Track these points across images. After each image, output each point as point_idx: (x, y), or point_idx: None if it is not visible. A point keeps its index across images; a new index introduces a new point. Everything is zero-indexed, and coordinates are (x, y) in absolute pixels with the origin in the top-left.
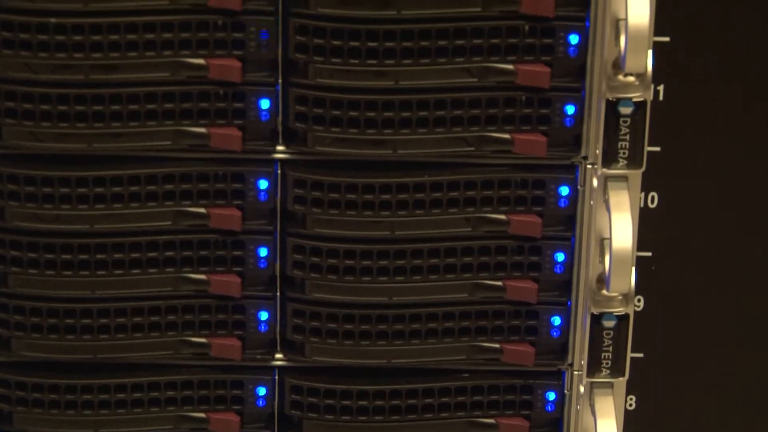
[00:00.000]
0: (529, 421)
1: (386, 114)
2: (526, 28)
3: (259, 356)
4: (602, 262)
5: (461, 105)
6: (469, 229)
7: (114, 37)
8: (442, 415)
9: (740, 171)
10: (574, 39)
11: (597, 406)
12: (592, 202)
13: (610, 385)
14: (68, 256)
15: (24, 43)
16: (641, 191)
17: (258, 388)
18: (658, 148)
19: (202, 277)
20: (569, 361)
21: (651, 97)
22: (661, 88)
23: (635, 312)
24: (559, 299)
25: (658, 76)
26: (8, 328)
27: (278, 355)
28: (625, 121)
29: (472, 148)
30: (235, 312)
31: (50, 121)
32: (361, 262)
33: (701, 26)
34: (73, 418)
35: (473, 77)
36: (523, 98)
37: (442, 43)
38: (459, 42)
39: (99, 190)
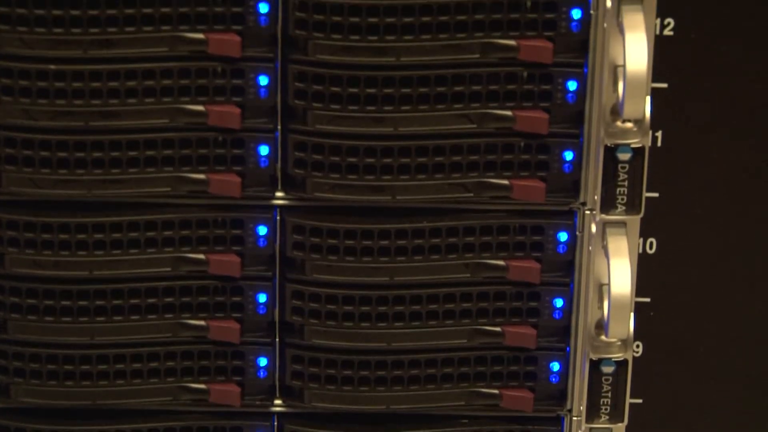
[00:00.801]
0: None
1: (385, 160)
2: (525, 74)
3: (258, 402)
4: (601, 307)
5: (460, 151)
6: (468, 275)
7: (113, 83)
8: None
9: (739, 217)
10: (572, 85)
11: None
12: (590, 248)
13: (610, 431)
14: (67, 303)
15: (23, 89)
16: (640, 237)
17: None
18: (656, 194)
19: (201, 323)
20: (568, 407)
21: (649, 143)
22: (659, 134)
23: (634, 358)
24: (558, 345)
25: (656, 122)
26: (7, 374)
27: (277, 402)
28: (623, 167)
29: (471, 194)
30: (234, 358)
31: (50, 168)
32: (359, 308)
33: (700, 73)
34: None
35: (472, 123)
36: (522, 144)
37: (440, 89)
38: (458, 88)
39: (98, 236)
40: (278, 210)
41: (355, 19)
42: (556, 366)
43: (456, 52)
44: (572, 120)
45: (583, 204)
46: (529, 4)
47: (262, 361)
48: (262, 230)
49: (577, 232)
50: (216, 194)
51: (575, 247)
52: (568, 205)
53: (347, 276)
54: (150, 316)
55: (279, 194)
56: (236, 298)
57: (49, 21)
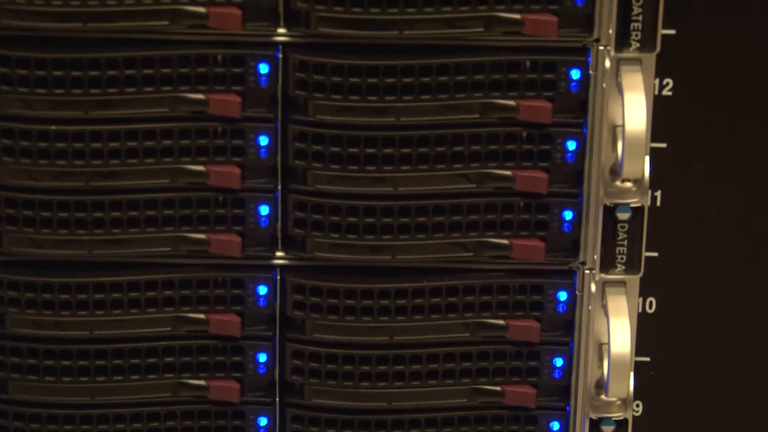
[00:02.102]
0: None
1: (385, 219)
2: (524, 134)
3: None
4: (601, 367)
5: (459, 211)
6: (468, 335)
7: (114, 144)
8: None
9: (738, 277)
10: (571, 145)
11: None
12: (590, 307)
13: None
14: (68, 363)
15: (24, 150)
16: (639, 296)
17: None
18: (656, 254)
19: (202, 383)
20: None
21: (649, 203)
22: (658, 193)
23: (634, 417)
24: (558, 404)
25: (655, 181)
26: None
27: None
28: (623, 227)
29: (471, 254)
30: (235, 418)
31: (50, 228)
32: (359, 368)
33: (699, 132)
34: None
35: (471, 183)
36: (521, 204)
37: (440, 149)
38: (457, 148)
39: (99, 296)
40: (278, 270)
41: (355, 80)
42: (556, 425)
43: (455, 112)
44: (571, 179)
45: (583, 263)
46: (528, 64)
47: (262, 421)
48: (263, 290)
49: (577, 292)
50: (216, 254)
51: (575, 306)
52: (568, 264)
53: (347, 335)
54: (150, 376)
55: (279, 254)
56: (236, 358)
57: (50, 82)
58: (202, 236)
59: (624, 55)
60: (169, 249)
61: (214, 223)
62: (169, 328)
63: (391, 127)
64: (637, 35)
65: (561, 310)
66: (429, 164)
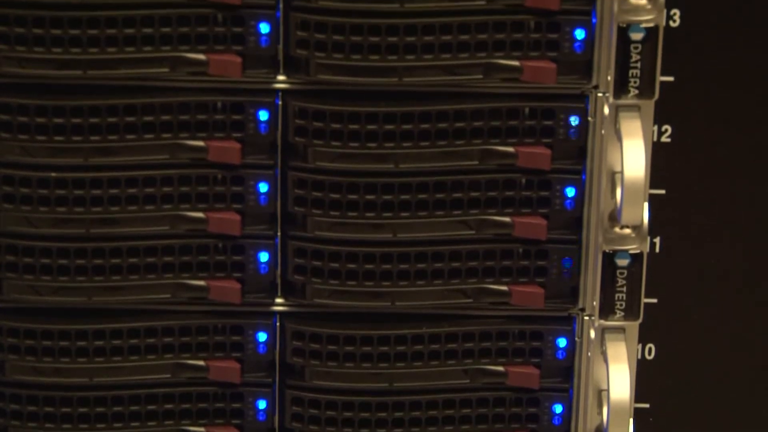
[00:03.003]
0: None
1: (384, 266)
2: (523, 181)
3: None
4: (600, 413)
5: (459, 257)
6: (467, 381)
7: (114, 191)
8: None
9: (737, 325)
10: (570, 192)
11: None
12: (589, 354)
13: None
14: (67, 409)
15: (25, 197)
16: (638, 343)
17: None
18: (655, 300)
19: (201, 429)
20: None
21: (647, 249)
22: (657, 240)
23: None
24: None
25: (654, 227)
26: None
27: None
28: (622, 273)
29: (470, 300)
30: None
31: (50, 275)
32: (359, 414)
33: (698, 179)
34: None
35: (471, 230)
36: (520, 250)
37: (439, 195)
38: (456, 195)
39: (98, 343)
40: (278, 316)
41: (355, 126)
42: None
43: (454, 158)
44: (571, 226)
45: (582, 310)
46: (527, 110)
47: None
48: (262, 336)
49: (576, 338)
50: (216, 300)
51: (574, 352)
52: (567, 310)
53: (347, 382)
54: (150, 423)
55: (279, 300)
56: (236, 405)
57: (51, 129)
58: (201, 283)
59: (623, 101)
60: (168, 295)
61: (214, 269)
62: (168, 375)
63: (390, 174)
64: (635, 82)
65: (560, 356)
66: (428, 210)
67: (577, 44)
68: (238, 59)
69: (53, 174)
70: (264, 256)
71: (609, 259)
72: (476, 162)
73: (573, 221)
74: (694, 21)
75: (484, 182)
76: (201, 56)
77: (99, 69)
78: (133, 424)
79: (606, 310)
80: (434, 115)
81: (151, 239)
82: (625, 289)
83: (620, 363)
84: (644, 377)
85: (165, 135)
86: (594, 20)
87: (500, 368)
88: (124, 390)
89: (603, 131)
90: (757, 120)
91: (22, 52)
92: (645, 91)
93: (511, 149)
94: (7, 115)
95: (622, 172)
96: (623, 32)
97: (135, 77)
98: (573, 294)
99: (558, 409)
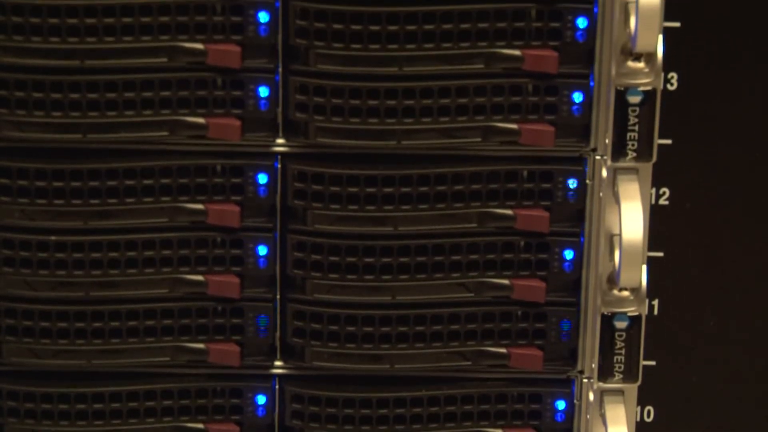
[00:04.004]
0: None
1: (383, 329)
2: (522, 243)
3: None
4: None
5: (457, 319)
6: None
7: (113, 254)
8: None
9: (735, 388)
10: (569, 254)
11: None
12: (588, 416)
13: None
14: None
15: (24, 260)
16: (637, 405)
17: None
18: (653, 363)
19: None
20: None
21: (646, 311)
22: (656, 302)
23: None
24: None
25: (653, 289)
26: None
27: None
28: (620, 336)
29: (469, 363)
30: None
31: (50, 338)
32: None
33: (696, 241)
34: None
35: (469, 292)
36: (519, 312)
37: (438, 258)
38: (455, 257)
39: (97, 406)
40: (277, 379)
41: (353, 189)
42: None
43: (453, 221)
44: (569, 288)
45: (581, 372)
46: (525, 173)
47: None
48: (261, 399)
49: (575, 401)
50: (215, 363)
51: (573, 414)
52: (566, 373)
53: None
54: None
55: (278, 363)
56: None
57: (50, 192)
58: (201, 346)
59: (621, 164)
60: (168, 359)
61: (213, 332)
62: None
63: (389, 237)
64: (633, 145)
65: (559, 419)
66: (427, 273)
67: (575, 107)
68: (238, 123)
69: (53, 237)
70: (263, 320)
71: (607, 321)
72: (475, 225)
73: (571, 283)
74: (692, 84)
75: (482, 245)
76: (200, 120)
77: (99, 132)
78: None
79: (605, 373)
80: (433, 178)
81: (150, 302)
82: (623, 351)
83: (619, 426)
84: None
85: (164, 198)
86: (592, 83)
87: (499, 431)
88: None
89: (601, 194)
90: (754, 180)
91: (22, 115)
92: (643, 153)
93: (509, 212)
94: (6, 179)
95: (620, 235)
96: (621, 95)
97: (134, 140)
98: (572, 356)
99: None
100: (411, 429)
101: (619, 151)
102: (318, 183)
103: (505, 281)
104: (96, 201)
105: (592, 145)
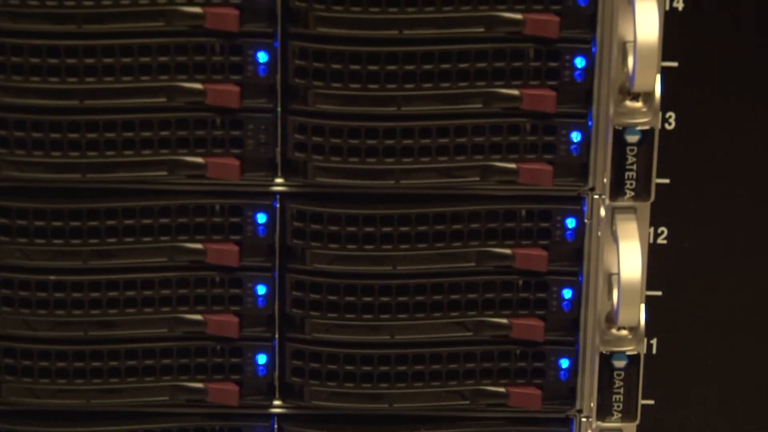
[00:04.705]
0: None
1: (382, 368)
2: (520, 282)
3: None
4: None
5: (456, 358)
6: None
7: (112, 293)
8: None
9: (735, 426)
10: (567, 293)
11: None
12: None
13: None
14: None
15: (23, 300)
16: None
17: None
18: (651, 402)
19: None
20: None
21: (644, 350)
22: (654, 341)
23: None
24: None
25: (650, 330)
26: None
27: None
28: (619, 375)
29: (468, 402)
30: None
31: (49, 378)
32: None
33: (692, 280)
34: None
35: (468, 331)
36: (518, 351)
37: (436, 297)
38: (454, 296)
39: None
40: (276, 418)
41: (352, 229)
42: None
43: (452, 260)
44: (567, 327)
45: (579, 411)
46: (524, 212)
47: None
48: None
49: None
50: (214, 403)
51: None
52: (565, 412)
53: None
54: None
55: (276, 402)
56: None
57: (49, 232)
58: (199, 385)
59: (619, 203)
60: (166, 398)
61: (212, 372)
62: None
63: (387, 276)
64: (631, 184)
65: None
66: (426, 312)
67: (573, 146)
68: (237, 162)
69: (52, 277)
70: (262, 358)
71: (606, 360)
72: (473, 264)
73: (570, 322)
74: (690, 124)
75: (481, 284)
76: (199, 159)
77: (98, 172)
78: None
79: (603, 412)
80: (431, 217)
81: (149, 342)
82: (622, 390)
83: None
84: None
85: (163, 238)
86: (590, 123)
87: None
88: None
89: (599, 233)
90: (752, 220)
91: (22, 155)
92: (641, 193)
93: (508, 251)
94: (6, 219)
95: (618, 274)
96: (619, 135)
97: (134, 180)
98: (570, 395)
99: None
100: None
101: (617, 190)
102: (317, 222)
103: (504, 320)
104: (95, 240)
105: (590, 185)
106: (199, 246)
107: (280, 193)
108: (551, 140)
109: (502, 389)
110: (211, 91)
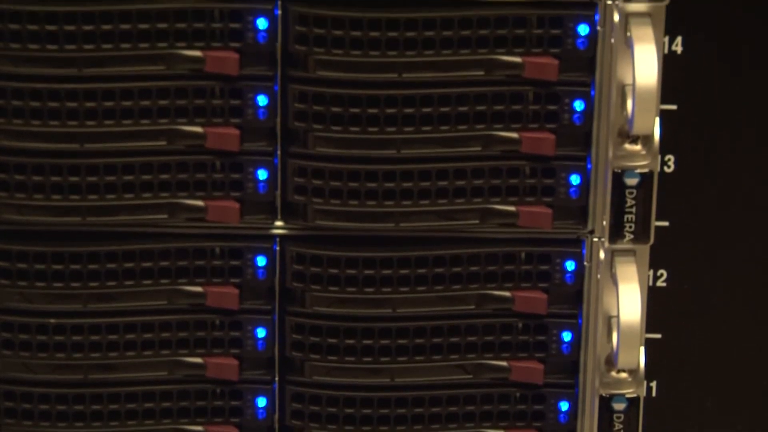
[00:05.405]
0: None
1: (382, 411)
2: (520, 326)
3: None
4: None
5: (456, 401)
6: None
7: (113, 336)
8: None
9: None
10: (567, 336)
11: None
12: None
13: None
14: None
15: (23, 343)
16: None
17: None
18: None
19: None
20: None
21: (644, 393)
22: (654, 383)
23: None
24: None
25: (650, 371)
26: None
27: None
28: (618, 417)
29: None
30: None
31: (48, 421)
32: None
33: (692, 323)
34: None
35: (467, 374)
36: (517, 394)
37: (436, 340)
38: (453, 339)
39: None
40: None
41: (352, 271)
42: None
43: (451, 303)
44: (567, 370)
45: None
46: (523, 255)
47: None
48: None
49: None
50: None
51: None
52: None
53: None
54: None
55: None
56: None
57: (49, 275)
58: (199, 428)
59: (618, 246)
60: None
61: (212, 415)
62: None
63: (387, 319)
64: (630, 227)
65: None
66: (425, 355)
67: (572, 189)
68: (236, 205)
69: (52, 320)
70: (261, 401)
71: (606, 403)
72: (473, 306)
73: (569, 365)
74: (689, 166)
75: (481, 327)
76: (199, 202)
77: (98, 215)
78: None
79: None
80: (431, 260)
81: (149, 385)
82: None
83: None
84: None
85: (163, 281)
86: (589, 166)
87: None
88: None
89: (599, 276)
90: (752, 263)
91: (22, 198)
92: (640, 235)
93: (507, 294)
94: (6, 262)
95: (618, 317)
96: (618, 178)
97: (134, 223)
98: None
99: None
100: None
101: (616, 233)
102: (316, 265)
103: (504, 363)
104: (95, 284)
105: (589, 227)
106: (199, 289)
107: (280, 235)
108: (550, 183)
109: None
110: (211, 135)
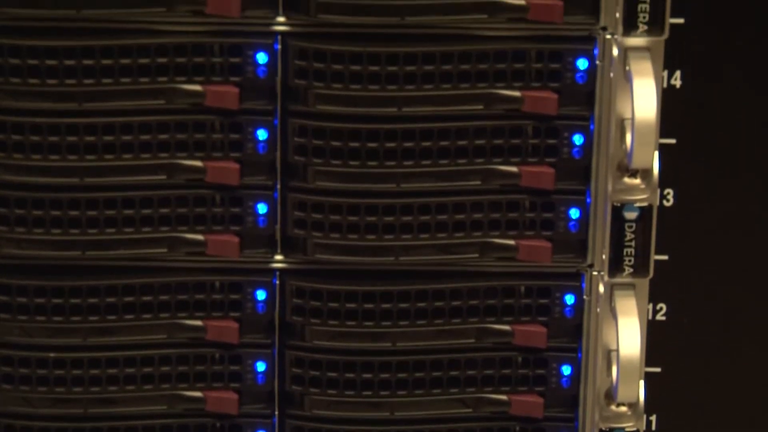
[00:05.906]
0: None
1: None
2: (519, 359)
3: None
4: None
5: None
6: None
7: (112, 370)
8: None
9: None
10: (566, 370)
11: None
12: None
13: None
14: None
15: (23, 377)
16: None
17: None
18: None
19: None
20: None
21: (643, 427)
22: (653, 418)
23: None
24: None
25: (649, 405)
26: None
27: None
28: None
29: None
30: None
31: None
32: None
33: (691, 356)
34: None
35: (467, 408)
36: (517, 428)
37: (436, 374)
38: (453, 373)
39: None
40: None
41: (352, 305)
42: None
43: (451, 337)
44: (566, 404)
45: None
46: (522, 289)
47: None
48: None
49: None
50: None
51: None
52: None
53: None
54: None
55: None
56: None
57: (49, 309)
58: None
59: (617, 280)
60: None
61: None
62: None
63: (387, 352)
64: (630, 261)
65: None
66: (425, 389)
67: (571, 223)
68: (236, 239)
69: (52, 354)
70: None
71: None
72: (472, 340)
73: (569, 399)
74: (688, 200)
75: (480, 360)
76: (199, 237)
77: (98, 250)
78: None
79: None
80: (430, 294)
81: (148, 419)
82: None
83: None
84: None
85: (163, 315)
86: (588, 200)
87: None
88: None
89: (598, 309)
90: (752, 298)
91: (22, 233)
92: (640, 269)
93: (507, 327)
94: (6, 296)
95: (617, 350)
96: (617, 211)
97: (133, 257)
98: None
99: None
100: None
101: (616, 266)
102: (316, 299)
103: (503, 397)
104: (95, 318)
105: (589, 261)
106: (198, 323)
107: (280, 269)
108: (550, 217)
109: None
110: (211, 169)
